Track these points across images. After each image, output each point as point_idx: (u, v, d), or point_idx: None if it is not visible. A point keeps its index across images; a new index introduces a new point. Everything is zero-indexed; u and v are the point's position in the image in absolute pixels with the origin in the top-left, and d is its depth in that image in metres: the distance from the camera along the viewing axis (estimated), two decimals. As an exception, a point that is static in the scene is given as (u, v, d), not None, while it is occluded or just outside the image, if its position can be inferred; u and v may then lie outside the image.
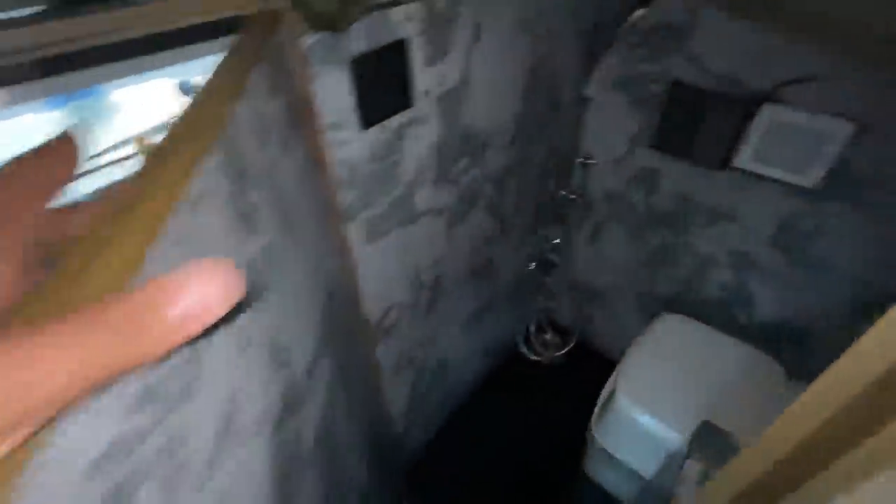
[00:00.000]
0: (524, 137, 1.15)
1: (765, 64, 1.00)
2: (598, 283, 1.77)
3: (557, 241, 1.71)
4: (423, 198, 0.93)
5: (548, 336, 2.01)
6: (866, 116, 0.92)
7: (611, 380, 1.48)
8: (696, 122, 1.15)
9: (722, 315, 1.45)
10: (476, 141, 0.99)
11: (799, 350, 1.34)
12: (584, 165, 1.48)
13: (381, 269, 0.93)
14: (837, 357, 0.31)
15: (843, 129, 0.95)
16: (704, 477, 0.75)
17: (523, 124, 1.11)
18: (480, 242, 1.24)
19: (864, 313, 1.16)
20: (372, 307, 0.97)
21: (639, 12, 1.04)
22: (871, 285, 1.11)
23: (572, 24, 1.08)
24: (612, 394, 1.30)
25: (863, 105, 0.91)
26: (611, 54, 1.15)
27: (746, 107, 1.05)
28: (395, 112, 0.77)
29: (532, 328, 1.95)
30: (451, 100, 0.86)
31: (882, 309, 0.27)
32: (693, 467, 0.76)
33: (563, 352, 1.90)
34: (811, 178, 1.05)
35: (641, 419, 1.16)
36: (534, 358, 1.92)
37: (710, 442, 0.80)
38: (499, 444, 1.75)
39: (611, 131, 1.35)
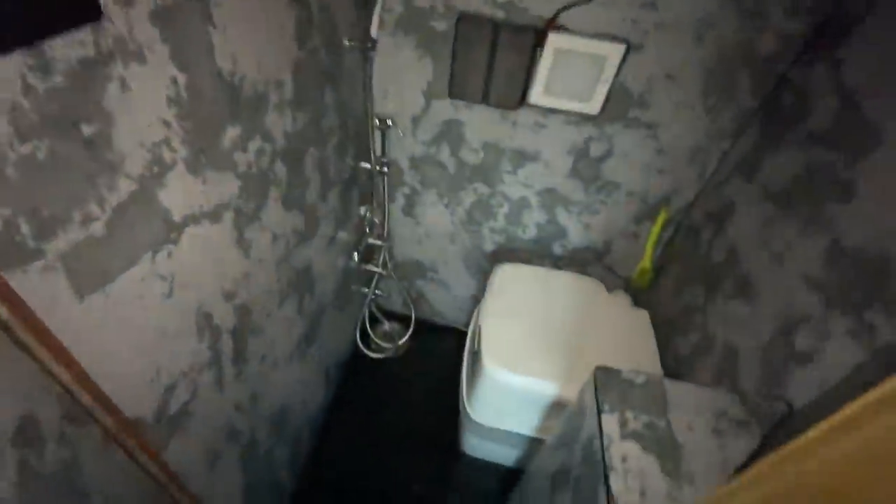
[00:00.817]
0: (308, 93, 0.87)
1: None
2: (423, 255, 1.65)
3: (376, 220, 1.49)
4: (177, 196, 0.57)
5: (386, 327, 1.82)
6: (634, 37, 0.98)
7: (467, 350, 1.40)
8: (489, 60, 1.07)
9: (542, 252, 1.51)
10: (246, 96, 0.67)
11: (601, 261, 1.49)
12: (382, 132, 1.28)
13: (129, 336, 0.54)
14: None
15: (616, 52, 1.01)
16: (624, 424, 0.69)
17: (303, 76, 0.82)
18: (288, 246, 0.92)
19: (638, 221, 1.35)
20: (136, 400, 0.58)
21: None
22: (646, 195, 1.28)
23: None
24: (475, 366, 1.21)
25: (631, 26, 0.97)
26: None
27: (534, 36, 1.01)
28: (63, 26, 0.39)
29: (367, 325, 1.72)
30: (183, 22, 0.52)
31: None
32: (612, 421, 0.69)
33: (405, 338, 1.74)
34: (595, 104, 1.11)
35: (514, 381, 1.09)
36: (378, 356, 1.70)
37: (611, 386, 0.75)
38: (372, 454, 1.50)
39: (403, 84, 1.18)
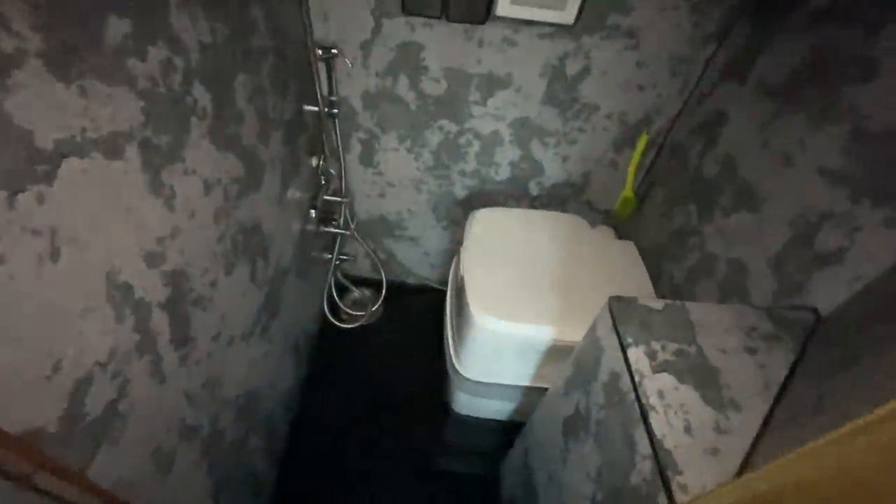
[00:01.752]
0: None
1: None
2: (388, 209, 1.50)
3: (332, 171, 1.31)
4: (37, 110, 0.40)
5: (355, 294, 1.67)
6: (612, -83, 0.84)
7: (448, 306, 1.29)
8: (448, -38, 0.90)
9: (518, 193, 1.40)
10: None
11: (579, 198, 1.41)
12: (328, 62, 1.09)
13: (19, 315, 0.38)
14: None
15: (593, -60, 0.86)
16: (653, 356, 0.60)
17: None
18: (227, 196, 0.75)
19: (617, 147, 1.25)
20: (23, 406, 0.42)
21: None
22: (625, 116, 1.18)
23: None
24: (462, 320, 1.10)
25: None
26: None
27: (498, -74, 0.85)
28: None
29: (335, 295, 1.57)
30: None
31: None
32: (639, 355, 0.60)
33: (378, 304, 1.61)
34: (570, 11, 0.97)
35: (507, 330, 0.99)
36: (351, 326, 1.56)
37: (629, 316, 0.65)
38: (358, 428, 1.39)
39: (347, 0, 0.99)
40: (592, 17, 0.99)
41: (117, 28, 0.46)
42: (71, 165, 0.42)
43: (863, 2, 0.69)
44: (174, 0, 0.55)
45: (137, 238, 0.54)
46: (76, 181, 0.43)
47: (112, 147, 0.47)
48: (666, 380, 0.58)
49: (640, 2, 0.96)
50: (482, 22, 1.00)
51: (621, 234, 1.29)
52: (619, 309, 0.67)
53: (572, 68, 1.08)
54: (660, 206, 1.21)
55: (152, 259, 0.57)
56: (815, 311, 0.69)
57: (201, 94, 0.63)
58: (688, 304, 0.68)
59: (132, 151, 0.51)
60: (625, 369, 0.60)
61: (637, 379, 0.58)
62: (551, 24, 1.00)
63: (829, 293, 0.68)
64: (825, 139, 0.72)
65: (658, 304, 0.68)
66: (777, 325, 0.67)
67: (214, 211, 0.71)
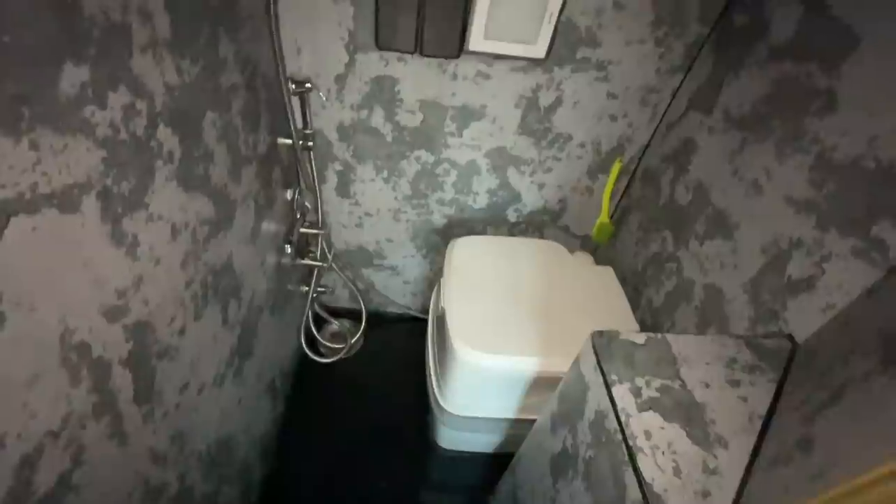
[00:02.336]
0: (194, 36, 0.66)
1: None
2: (366, 239, 1.48)
3: (307, 204, 1.29)
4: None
5: (334, 326, 1.63)
6: (578, -41, 0.87)
7: (430, 338, 1.27)
8: (419, 1, 0.91)
9: (497, 220, 1.40)
10: (89, 23, 0.46)
11: (557, 223, 1.42)
12: (301, 96, 1.08)
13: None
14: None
15: (561, -21, 0.89)
16: (638, 394, 0.59)
17: (183, 10, 0.62)
18: (196, 239, 0.72)
19: (591, 174, 1.28)
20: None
21: None
22: (598, 145, 1.20)
23: None
24: (444, 353, 1.08)
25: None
26: None
27: (469, -34, 0.87)
28: None
29: (313, 327, 1.52)
30: None
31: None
32: (624, 393, 0.59)
33: (357, 335, 1.57)
34: (541, 46, 0.99)
35: (490, 363, 0.97)
36: (330, 360, 1.52)
37: (612, 352, 0.65)
38: (339, 467, 1.33)
39: (319, 36, 0.99)
40: (563, 50, 1.01)
41: (74, 76, 0.44)
42: (19, 224, 0.39)
43: (818, 39, 0.72)
44: (137, 43, 0.53)
45: (96, 293, 0.50)
46: (25, 241, 0.40)
47: (67, 200, 0.45)
48: (652, 419, 0.57)
49: (608, 36, 0.99)
50: (455, 56, 1.01)
51: (599, 260, 1.30)
52: (602, 344, 0.66)
53: (545, 99, 1.10)
54: (635, 232, 1.23)
55: (113, 314, 0.53)
56: (791, 338, 0.69)
57: (167, 137, 0.61)
58: (669, 336, 0.68)
59: (90, 203, 0.48)
60: (610, 408, 0.59)
61: (623, 419, 0.57)
62: (523, 58, 1.02)
63: (803, 320, 0.69)
64: (791, 169, 0.74)
65: (640, 338, 0.67)
66: (756, 354, 0.67)
67: (182, 256, 0.68)
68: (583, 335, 0.71)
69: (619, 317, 1.09)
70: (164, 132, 0.60)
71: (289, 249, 1.22)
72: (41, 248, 0.42)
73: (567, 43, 1.00)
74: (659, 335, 0.68)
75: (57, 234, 0.44)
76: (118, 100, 0.51)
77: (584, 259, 1.26)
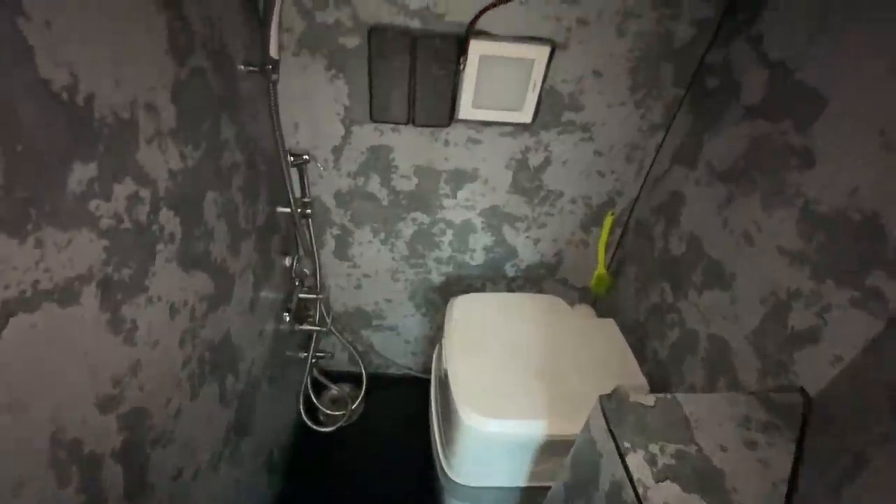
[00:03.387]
0: (198, 123, 0.69)
1: (456, -6, 0.89)
2: (365, 301, 1.47)
3: (306, 270, 1.30)
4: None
5: (334, 391, 1.58)
6: (558, 36, 0.94)
7: (433, 401, 1.23)
8: (410, 75, 0.97)
9: (495, 276, 1.41)
10: (100, 122, 0.49)
11: (554, 276, 1.42)
12: (299, 167, 1.12)
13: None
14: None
15: (542, 53, 0.95)
16: (654, 462, 0.57)
17: (188, 100, 0.65)
18: (195, 317, 0.71)
19: (585, 228, 1.30)
20: None
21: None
22: (589, 199, 1.23)
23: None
24: (448, 419, 1.04)
25: (553, 24, 0.92)
26: (274, 10, 0.81)
27: (456, 45, 0.93)
28: None
29: (311, 394, 1.48)
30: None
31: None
32: (639, 462, 0.57)
33: (358, 400, 1.52)
34: (528, 112, 1.05)
35: (498, 429, 0.93)
36: (330, 429, 1.46)
37: (623, 416, 0.63)
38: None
39: (316, 112, 1.04)
40: (548, 115, 1.06)
41: (83, 174, 0.46)
42: (18, 324, 0.39)
43: (788, 101, 0.76)
44: (144, 136, 0.56)
45: (91, 384, 0.49)
46: (23, 340, 0.40)
47: (67, 294, 0.45)
48: (671, 489, 0.54)
49: (590, 100, 1.05)
50: (446, 125, 1.06)
51: (601, 312, 1.30)
52: (612, 408, 0.64)
53: (535, 160, 1.14)
54: (634, 283, 1.23)
55: (107, 404, 0.52)
56: (803, 391, 0.68)
57: (169, 220, 0.62)
58: (679, 396, 0.66)
59: (90, 293, 0.48)
60: (626, 478, 0.57)
61: (641, 491, 0.54)
62: (511, 124, 1.07)
63: (812, 372, 0.67)
64: (779, 221, 0.76)
65: (650, 400, 0.66)
66: (770, 411, 0.65)
67: (180, 335, 0.67)
68: (592, 393, 0.69)
69: (626, 372, 1.07)
70: (165, 215, 0.61)
71: (287, 317, 1.21)
72: (38, 345, 0.42)
73: (552, 108, 1.05)
74: (668, 395, 0.67)
75: (55, 328, 0.44)
76: (123, 191, 0.52)
77: (585, 312, 1.26)
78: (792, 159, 0.75)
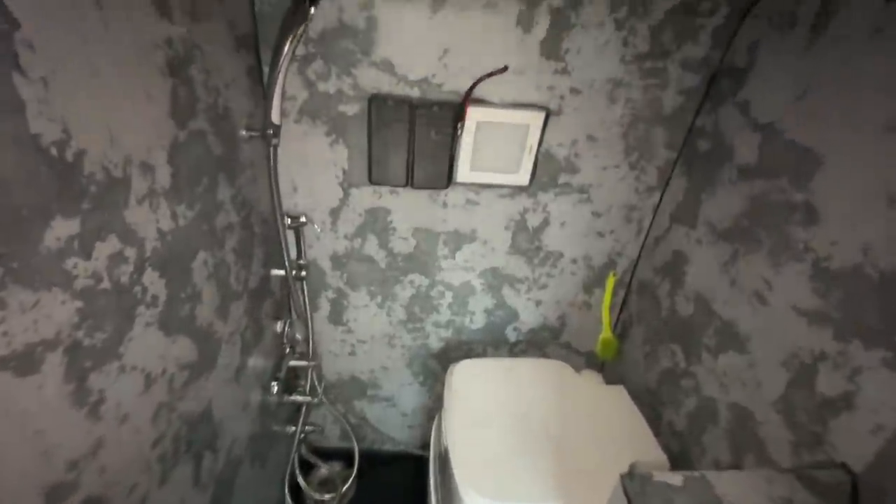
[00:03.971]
0: (193, 184, 0.68)
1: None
2: (360, 369, 1.39)
3: (298, 335, 1.24)
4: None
5: (323, 471, 1.45)
6: (552, 103, 0.97)
7: (432, 481, 1.11)
8: (409, 140, 0.99)
9: (496, 340, 1.35)
10: (88, 179, 0.47)
11: (558, 340, 1.36)
12: (296, 230, 1.10)
13: None
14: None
15: (537, 119, 0.98)
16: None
17: (185, 162, 0.65)
18: (172, 387, 0.65)
19: (587, 289, 1.27)
20: None
21: (312, 10, 0.79)
22: (590, 260, 1.22)
23: (228, 31, 0.72)
24: (448, 501, 0.93)
25: (547, 93, 0.96)
26: (281, 71, 0.85)
27: (453, 111, 0.96)
28: None
29: (299, 474, 1.35)
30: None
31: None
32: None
33: (350, 481, 1.39)
34: (524, 174, 1.06)
35: (505, 512, 0.84)
36: (318, 515, 1.31)
37: (649, 499, 0.55)
38: None
39: (315, 175, 1.05)
40: (545, 177, 1.08)
41: (62, 230, 0.43)
42: (-39, 396, 0.34)
43: (783, 160, 0.77)
44: (135, 194, 0.54)
45: (41, 471, 0.43)
46: (-36, 415, 0.35)
47: (26, 361, 0.40)
48: (715, 593, 0.46)
49: (585, 163, 1.06)
50: (445, 187, 1.06)
51: (609, 378, 1.23)
52: (635, 490, 0.57)
53: (533, 221, 1.14)
54: (642, 347, 1.18)
55: (58, 492, 0.45)
56: (846, 468, 0.61)
57: (153, 281, 0.59)
58: (709, 475, 0.59)
59: (54, 360, 0.43)
60: (660, 579, 0.48)
61: None
62: (509, 186, 1.08)
63: (853, 445, 0.61)
64: (791, 279, 0.74)
65: (677, 479, 0.58)
66: (812, 492, 0.58)
67: (154, 408, 0.61)
68: (607, 471, 0.62)
69: (641, 445, 0.98)
70: (150, 276, 0.58)
71: (275, 386, 1.13)
72: (-17, 421, 0.36)
73: (548, 171, 1.07)
74: (697, 473, 0.60)
75: (6, 402, 0.38)
76: (105, 249, 0.49)
77: (592, 378, 1.19)
78: (795, 215, 0.74)
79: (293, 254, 1.13)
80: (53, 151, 0.42)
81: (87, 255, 0.47)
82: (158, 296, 0.60)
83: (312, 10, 0.75)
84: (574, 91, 0.96)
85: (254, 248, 0.95)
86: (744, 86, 0.87)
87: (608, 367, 1.36)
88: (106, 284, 0.50)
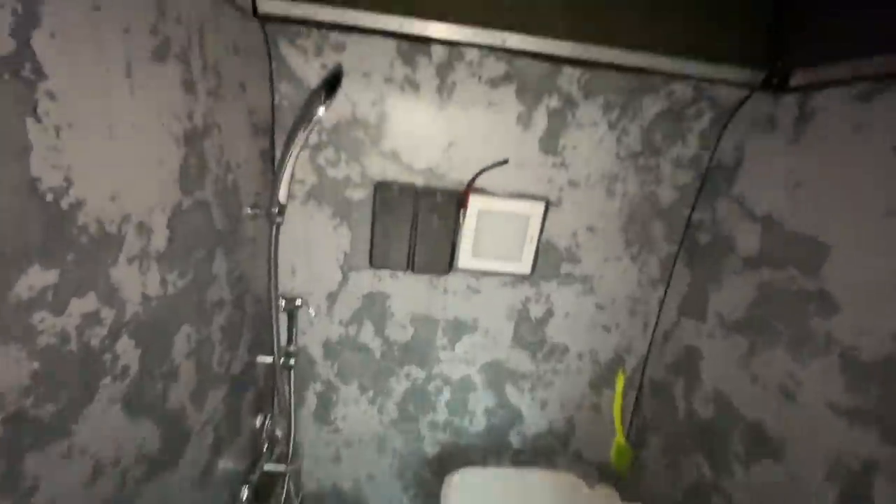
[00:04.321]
0: (189, 252, 0.67)
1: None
2: (344, 477, 1.23)
3: (278, 432, 1.11)
4: None
5: None
6: (552, 194, 1.01)
7: None
8: (412, 225, 1.00)
9: (498, 446, 1.21)
10: (80, 230, 0.45)
11: (567, 449, 1.23)
12: (290, 313, 1.06)
13: None
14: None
15: (537, 209, 1.01)
16: None
17: (185, 228, 0.64)
18: (125, 484, 0.56)
19: (595, 388, 1.19)
20: None
21: (322, 109, 0.85)
22: (597, 355, 1.15)
23: (246, 118, 0.77)
24: None
25: (546, 185, 1.00)
26: (292, 156, 0.89)
27: (456, 200, 0.98)
28: None
29: None
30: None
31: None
32: None
33: None
34: (526, 263, 1.05)
35: None
36: None
37: None
38: None
39: (316, 257, 1.04)
40: (547, 266, 1.07)
41: (37, 279, 0.40)
42: None
43: (788, 250, 0.77)
44: (127, 253, 0.52)
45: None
46: None
47: (-46, 426, 0.34)
48: None
49: (587, 254, 1.06)
50: (446, 272, 1.05)
51: (626, 494, 1.08)
52: None
53: (536, 311, 1.10)
54: (660, 457, 1.06)
55: None
56: None
57: (126, 350, 0.54)
58: None
59: (-13, 430, 0.37)
60: None
61: None
62: (511, 274, 1.07)
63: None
64: (819, 373, 0.68)
65: None
66: None
67: (95, 507, 0.51)
68: None
69: (673, 581, 0.82)
70: (125, 344, 0.53)
71: (245, 493, 0.98)
72: None
73: (550, 260, 1.06)
74: None
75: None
76: (81, 306, 0.46)
77: (607, 495, 1.04)
78: (810, 305, 0.71)
79: (283, 340, 1.07)
80: (49, 197, 0.40)
81: (59, 311, 0.43)
82: (130, 367, 0.54)
83: (322, 110, 0.81)
84: (572, 184, 1.00)
85: (243, 329, 0.90)
86: (736, 181, 0.91)
87: (624, 482, 1.20)
88: (73, 346, 0.45)
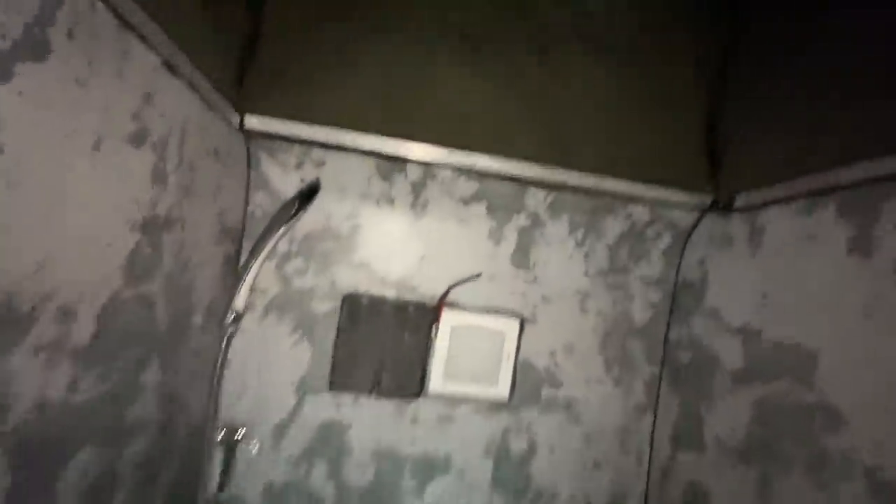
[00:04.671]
0: (116, 353, 0.57)
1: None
2: None
3: None
4: None
5: None
6: (526, 310, 0.98)
7: None
8: (380, 342, 0.93)
9: None
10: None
11: None
12: (228, 445, 0.89)
13: None
14: None
15: (512, 326, 0.97)
16: None
17: (117, 324, 0.55)
18: None
19: (590, 550, 0.99)
20: None
21: (293, 220, 0.85)
22: (590, 499, 0.99)
23: (216, 223, 0.76)
24: None
25: (520, 299, 0.98)
26: (257, 262, 0.85)
27: (428, 315, 0.94)
28: None
29: None
30: None
31: None
32: None
33: None
34: (503, 387, 0.97)
35: None
36: None
37: None
38: None
39: (269, 379, 0.92)
40: (526, 389, 0.98)
41: None
42: None
43: (775, 359, 0.74)
44: (35, 340, 0.43)
45: None
46: None
47: None
48: None
49: (567, 375, 0.99)
50: (416, 395, 0.94)
51: None
52: None
53: (517, 445, 0.97)
54: None
55: None
56: None
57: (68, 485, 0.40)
58: None
59: None
60: None
61: None
62: (487, 399, 0.97)
63: None
64: (845, 498, 0.59)
65: None
66: None
67: None
68: None
69: None
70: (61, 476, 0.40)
71: None
72: None
73: (529, 382, 0.98)
74: None
75: None
76: (-55, 398, 0.35)
77: None
78: (815, 419, 0.65)
79: (215, 482, 0.87)
80: (-48, 253, 0.34)
81: None
82: (-12, 498, 0.40)
83: (294, 221, 0.81)
84: (545, 299, 0.98)
85: (162, 464, 0.73)
86: (705, 296, 0.92)
87: None
88: None
